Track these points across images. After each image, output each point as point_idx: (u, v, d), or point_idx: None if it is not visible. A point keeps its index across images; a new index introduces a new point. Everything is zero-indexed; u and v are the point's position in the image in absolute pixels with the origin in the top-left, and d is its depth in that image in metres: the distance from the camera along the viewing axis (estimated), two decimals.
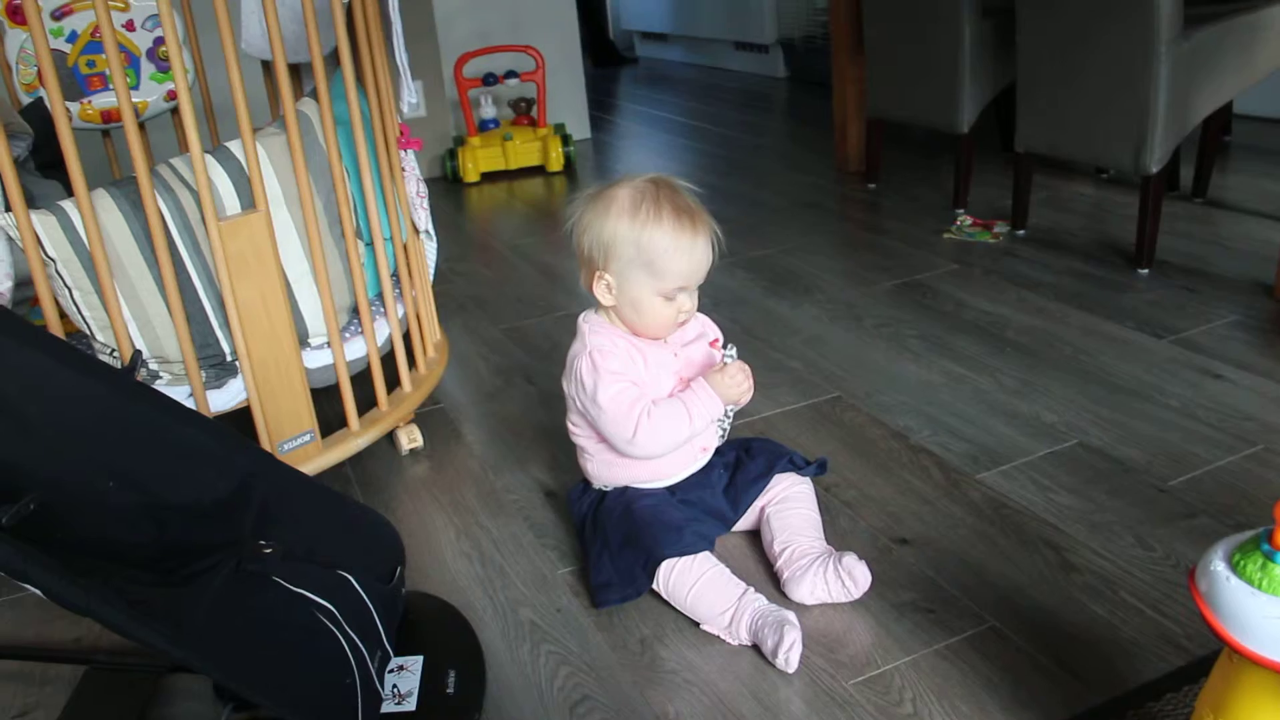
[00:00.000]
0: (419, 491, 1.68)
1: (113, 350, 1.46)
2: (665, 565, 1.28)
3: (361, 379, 1.69)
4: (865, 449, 1.67)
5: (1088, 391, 1.78)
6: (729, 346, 1.36)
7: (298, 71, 1.89)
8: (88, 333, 1.46)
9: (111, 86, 1.96)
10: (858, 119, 3.28)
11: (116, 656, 1.27)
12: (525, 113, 3.85)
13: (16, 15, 1.96)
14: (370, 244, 1.67)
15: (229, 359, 1.55)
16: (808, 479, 1.46)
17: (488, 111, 3.78)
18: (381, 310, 1.73)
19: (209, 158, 1.45)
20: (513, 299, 2.51)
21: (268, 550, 1.09)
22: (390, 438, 1.80)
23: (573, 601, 1.37)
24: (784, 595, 1.31)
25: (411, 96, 1.77)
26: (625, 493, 1.40)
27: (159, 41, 2.07)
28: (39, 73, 1.45)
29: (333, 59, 1.61)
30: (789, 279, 2.47)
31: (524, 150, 3.73)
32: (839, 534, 1.45)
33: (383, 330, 1.72)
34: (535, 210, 3.39)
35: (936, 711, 1.12)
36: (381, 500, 1.65)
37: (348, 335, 1.68)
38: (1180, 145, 2.33)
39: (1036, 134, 2.50)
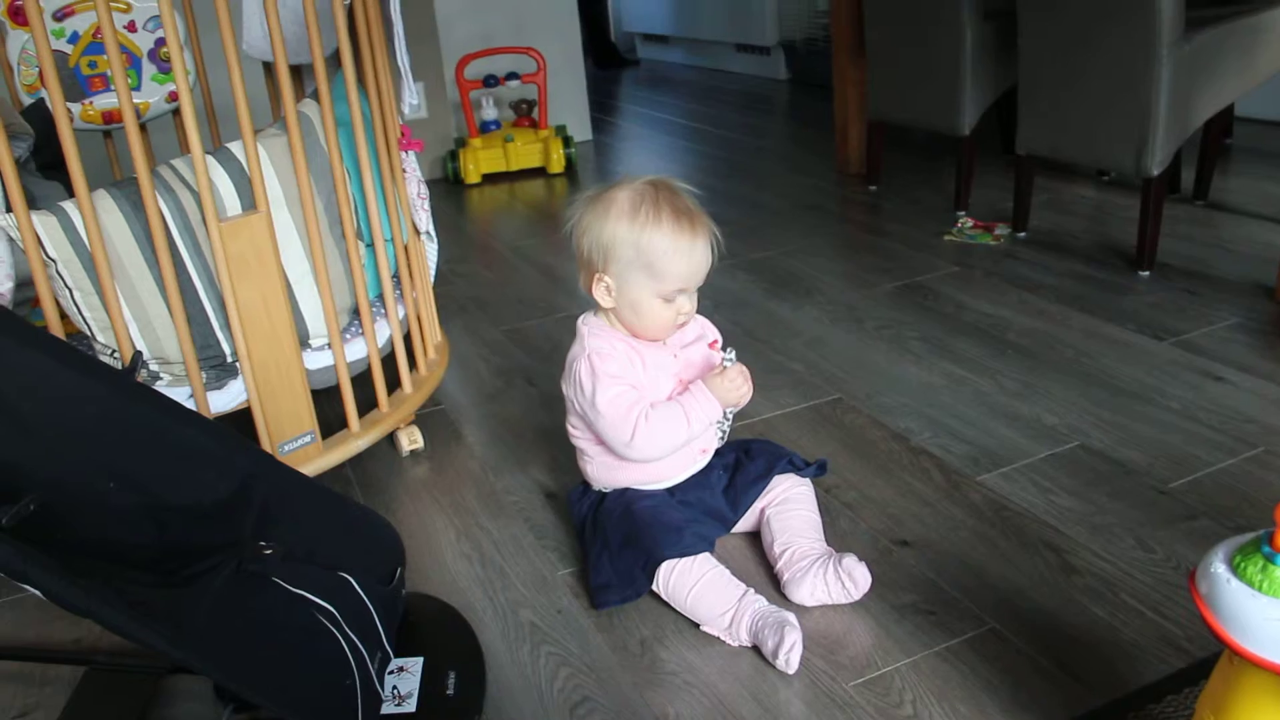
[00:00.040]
0: (419, 493, 1.68)
1: (113, 351, 1.46)
2: (665, 566, 1.28)
3: (362, 380, 1.69)
4: (866, 451, 1.67)
5: (1089, 394, 1.78)
6: (728, 350, 1.36)
7: (299, 73, 1.89)
8: (88, 333, 1.46)
9: (113, 87, 1.96)
10: (859, 121, 3.28)
11: (116, 657, 1.27)
12: (526, 114, 3.85)
13: (18, 16, 1.96)
14: (371, 245, 1.67)
15: (229, 360, 1.55)
16: (807, 480, 1.46)
17: (489, 113, 3.78)
18: (382, 311, 1.73)
19: (210, 159, 1.45)
20: (513, 300, 2.51)
21: (268, 551, 1.09)
22: (391, 439, 1.80)
23: (573, 603, 1.36)
24: (784, 597, 1.31)
25: (413, 98, 1.77)
26: (625, 494, 1.40)
27: (160, 42, 2.07)
28: (40, 73, 1.45)
29: (334, 60, 1.61)
30: (790, 281, 2.47)
31: (525, 152, 3.73)
32: (839, 536, 1.45)
33: (383, 331, 1.72)
34: (536, 212, 3.39)
35: (937, 713, 1.12)
36: (382, 501, 1.65)
37: (348, 336, 1.68)
38: (1181, 148, 2.33)
39: (1038, 136, 2.50)
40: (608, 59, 6.38)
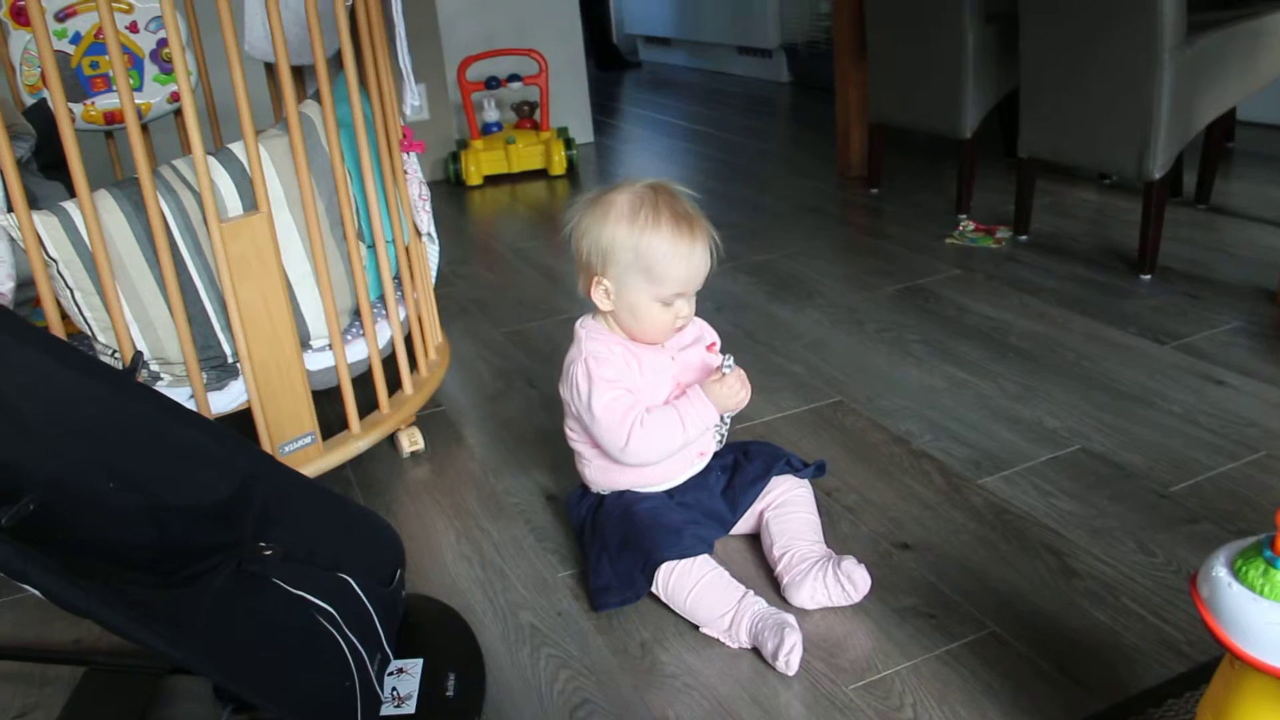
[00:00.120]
0: (420, 494, 1.68)
1: (114, 351, 1.46)
2: (665, 568, 1.28)
3: (363, 381, 1.69)
4: (867, 454, 1.67)
5: (1090, 397, 1.78)
6: (727, 357, 1.35)
7: (301, 73, 1.89)
8: (89, 334, 1.46)
9: (115, 88, 1.96)
10: (860, 124, 3.28)
11: (116, 658, 1.27)
12: (528, 116, 3.85)
13: (20, 16, 1.97)
14: (372, 246, 1.67)
15: (230, 360, 1.55)
16: (806, 482, 1.46)
17: (491, 115, 3.78)
18: (383, 313, 1.73)
19: (211, 159, 1.45)
20: (514, 302, 2.51)
21: (268, 552, 1.09)
22: (391, 440, 1.80)
23: (573, 605, 1.36)
24: (784, 600, 1.30)
25: (414, 99, 1.77)
26: (624, 496, 1.40)
27: (162, 43, 2.07)
28: (42, 74, 1.45)
29: (336, 61, 1.61)
30: (791, 284, 2.46)
31: (527, 154, 3.73)
32: (840, 539, 1.45)
33: (384, 333, 1.72)
34: (537, 214, 3.39)
35: (937, 717, 1.12)
36: (382, 502, 1.65)
37: (349, 337, 1.68)
38: (1183, 151, 2.33)
39: (1039, 139, 2.50)
40: (609, 61, 6.38)
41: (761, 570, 1.38)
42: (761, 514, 1.42)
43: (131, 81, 2.02)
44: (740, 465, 1.45)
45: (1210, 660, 1.14)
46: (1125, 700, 1.11)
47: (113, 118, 2.09)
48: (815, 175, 3.47)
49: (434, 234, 1.91)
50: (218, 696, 1.10)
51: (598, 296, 1.35)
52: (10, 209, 1.32)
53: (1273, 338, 1.94)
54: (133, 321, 1.45)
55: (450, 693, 1.18)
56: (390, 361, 1.76)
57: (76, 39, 2.02)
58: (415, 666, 1.20)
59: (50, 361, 1.03)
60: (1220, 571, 0.82)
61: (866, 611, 1.29)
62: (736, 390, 1.34)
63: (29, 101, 2.02)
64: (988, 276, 2.39)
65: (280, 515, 1.16)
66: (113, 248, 1.40)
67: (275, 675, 1.00)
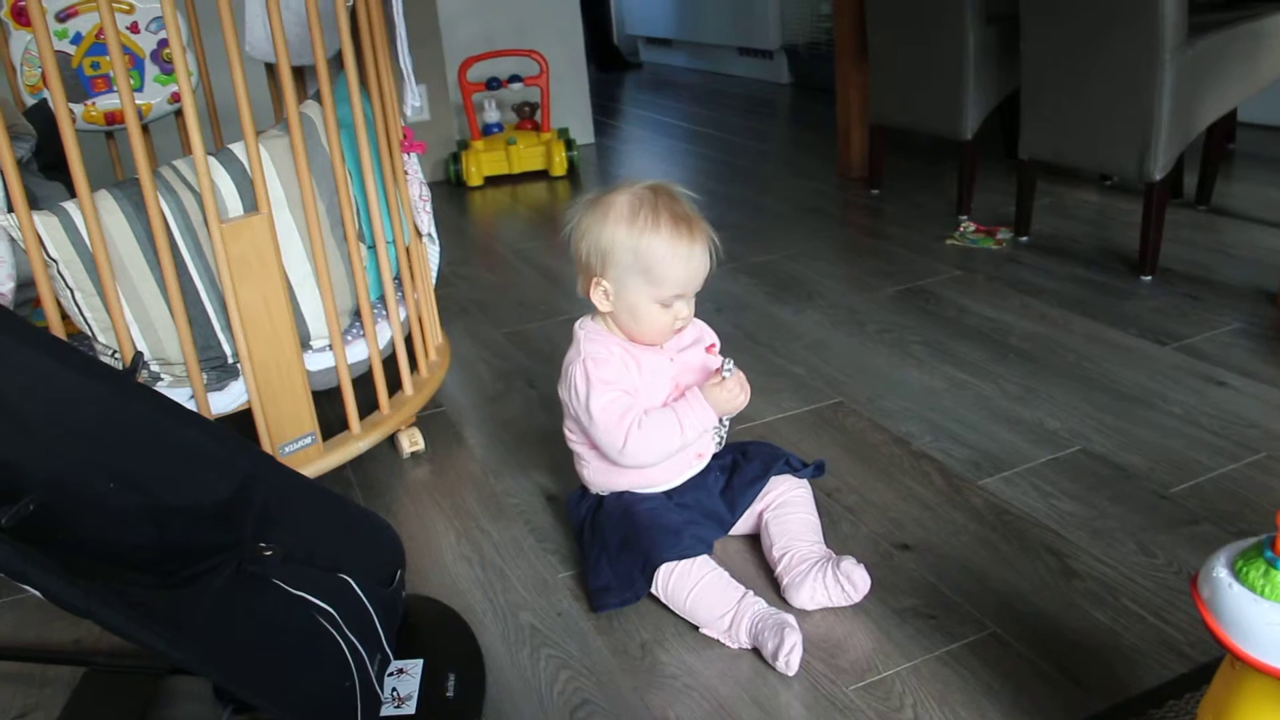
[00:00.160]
0: (420, 495, 1.68)
1: (114, 352, 1.46)
2: (664, 569, 1.28)
3: (363, 382, 1.69)
4: (867, 454, 1.67)
5: (1090, 398, 1.78)
6: (727, 361, 1.35)
7: (301, 74, 1.90)
8: (89, 334, 1.46)
9: (115, 88, 1.96)
10: (861, 125, 3.28)
11: (116, 658, 1.27)
12: (529, 117, 3.85)
13: (21, 17, 1.97)
14: (373, 247, 1.67)
15: (230, 361, 1.55)
16: (805, 482, 1.46)
17: (491, 115, 3.78)
18: (383, 313, 1.73)
19: (212, 160, 1.45)
20: (515, 303, 2.51)
21: (268, 553, 1.09)
22: (391, 441, 1.80)
23: (573, 605, 1.36)
24: (784, 601, 1.30)
25: (415, 100, 1.77)
26: (623, 497, 1.40)
27: (163, 44, 2.07)
28: (43, 74, 1.45)
29: (336, 61, 1.61)
30: (792, 284, 2.46)
31: (527, 154, 3.73)
32: (840, 539, 1.44)
33: (384, 333, 1.72)
34: (538, 214, 3.39)
35: (937, 717, 1.12)
36: (382, 503, 1.65)
37: (349, 338, 1.68)
38: (1184, 153, 2.33)
39: (1040, 141, 2.50)
40: (610, 62, 6.39)
41: (761, 571, 1.38)
42: (761, 514, 1.42)
43: (132, 82, 2.02)
44: (739, 465, 1.45)
45: (1211, 661, 1.14)
46: (1126, 701, 1.11)
47: (113, 118, 2.09)
48: (816, 176, 3.47)
49: (434, 235, 1.91)
50: (218, 697, 1.10)
51: (597, 297, 1.35)
52: (11, 209, 1.32)
53: (1273, 339, 1.94)
54: (133, 322, 1.45)
55: (450, 693, 1.18)
56: (390, 362, 1.76)
57: (77, 39, 2.02)
58: (415, 667, 1.20)
59: (50, 362, 1.03)
60: (1221, 572, 0.82)
61: (866, 612, 1.29)
62: (736, 394, 1.34)
63: (30, 102, 2.02)
64: (988, 278, 2.39)
65: (280, 516, 1.16)
66: (113, 248, 1.40)
67: (275, 676, 1.00)
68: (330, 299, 1.57)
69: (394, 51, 1.72)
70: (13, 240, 1.40)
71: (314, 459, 1.60)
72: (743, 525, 1.44)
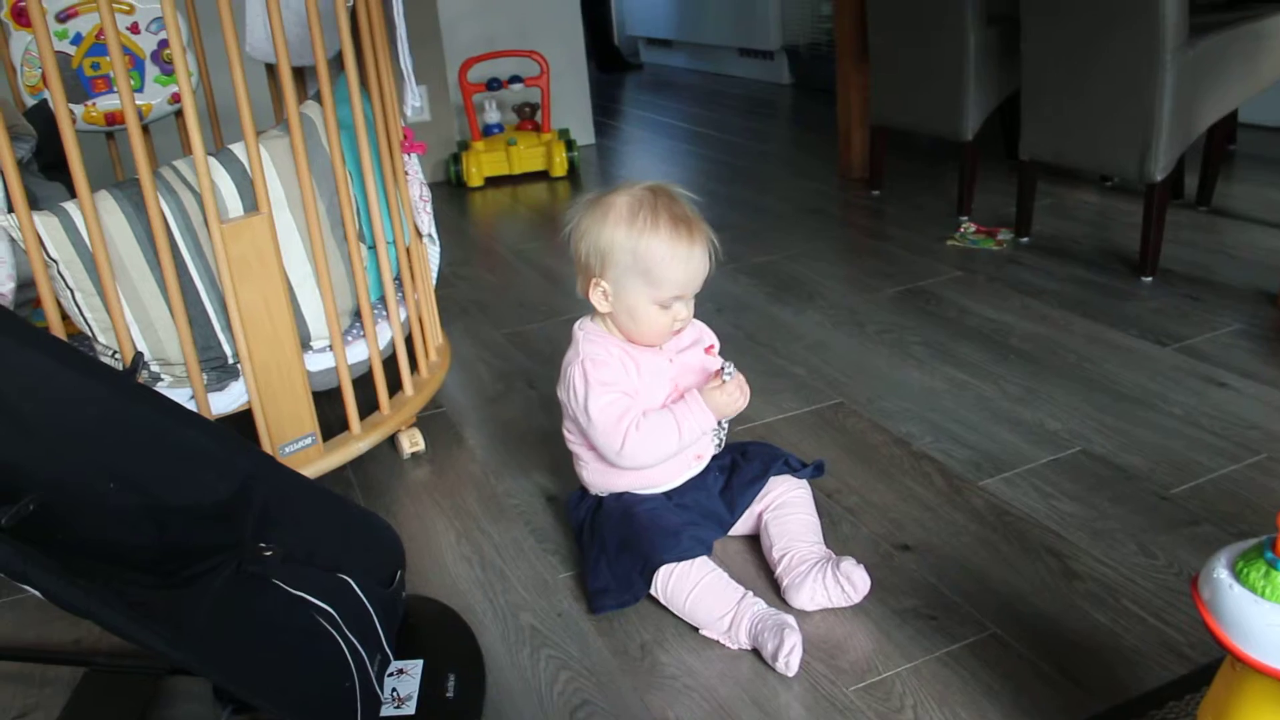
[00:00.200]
0: (420, 495, 1.67)
1: (114, 352, 1.46)
2: (663, 571, 1.28)
3: (363, 382, 1.69)
4: (867, 455, 1.67)
5: (1091, 399, 1.78)
6: (727, 364, 1.35)
7: (301, 74, 1.90)
8: (89, 334, 1.46)
9: (115, 89, 1.96)
10: (862, 126, 3.28)
11: (116, 658, 1.27)
12: (529, 118, 3.85)
13: (22, 17, 1.97)
14: (373, 247, 1.67)
15: (231, 361, 1.55)
16: (805, 483, 1.46)
17: (492, 116, 3.78)
18: (383, 314, 1.73)
19: (212, 160, 1.45)
20: (515, 303, 2.51)
21: (268, 553, 1.09)
22: (392, 441, 1.80)
23: (573, 606, 1.36)
24: (784, 601, 1.30)
25: (415, 100, 1.77)
26: (622, 498, 1.40)
27: (163, 44, 2.07)
28: (43, 74, 1.45)
29: (337, 62, 1.61)
30: (792, 285, 2.46)
31: (528, 155, 3.73)
32: (840, 540, 1.44)
33: (384, 334, 1.72)
34: (538, 215, 3.39)
35: (937, 718, 1.11)
36: (382, 504, 1.65)
37: (349, 338, 1.68)
38: (1185, 153, 2.33)
39: (1041, 141, 2.50)
40: (611, 63, 6.39)
41: (761, 572, 1.38)
42: (760, 515, 1.42)
43: (132, 82, 2.02)
44: (738, 466, 1.45)
45: (1211, 662, 1.14)
46: (1126, 702, 1.11)
47: (113, 118, 2.09)
48: (816, 177, 3.47)
49: (435, 235, 1.91)
50: (217, 697, 1.10)
51: (596, 298, 1.35)
52: (11, 209, 1.32)
53: (1274, 340, 1.94)
54: (133, 322, 1.45)
55: (450, 694, 1.18)
56: (391, 363, 1.76)
57: (77, 40, 2.02)
58: (415, 667, 1.20)
59: (51, 362, 1.03)
60: (1221, 573, 0.81)
61: (867, 613, 1.29)
62: (735, 397, 1.34)
63: (30, 102, 2.02)
64: (989, 278, 2.39)
65: (280, 516, 1.16)
66: (113, 248, 1.40)
67: (275, 676, 1.00)
68: (330, 299, 1.57)
69: (394, 52, 1.72)
70: (13, 240, 1.40)
71: (314, 459, 1.60)
72: (742, 526, 1.44)
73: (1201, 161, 2.68)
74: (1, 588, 1.47)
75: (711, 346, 1.43)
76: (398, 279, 1.76)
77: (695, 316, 1.41)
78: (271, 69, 1.93)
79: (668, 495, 1.41)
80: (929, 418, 1.76)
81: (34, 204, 1.38)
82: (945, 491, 1.55)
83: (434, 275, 1.96)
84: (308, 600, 1.08)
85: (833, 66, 3.37)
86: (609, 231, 1.31)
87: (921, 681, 1.17)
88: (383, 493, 1.69)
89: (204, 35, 2.06)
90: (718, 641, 1.25)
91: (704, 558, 1.29)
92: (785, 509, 1.40)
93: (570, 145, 3.77)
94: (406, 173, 1.77)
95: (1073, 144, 2.42)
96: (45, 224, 1.36)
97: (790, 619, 1.21)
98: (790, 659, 1.17)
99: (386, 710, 1.14)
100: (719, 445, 1.46)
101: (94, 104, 2.07)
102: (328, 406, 1.70)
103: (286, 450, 1.57)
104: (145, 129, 2.05)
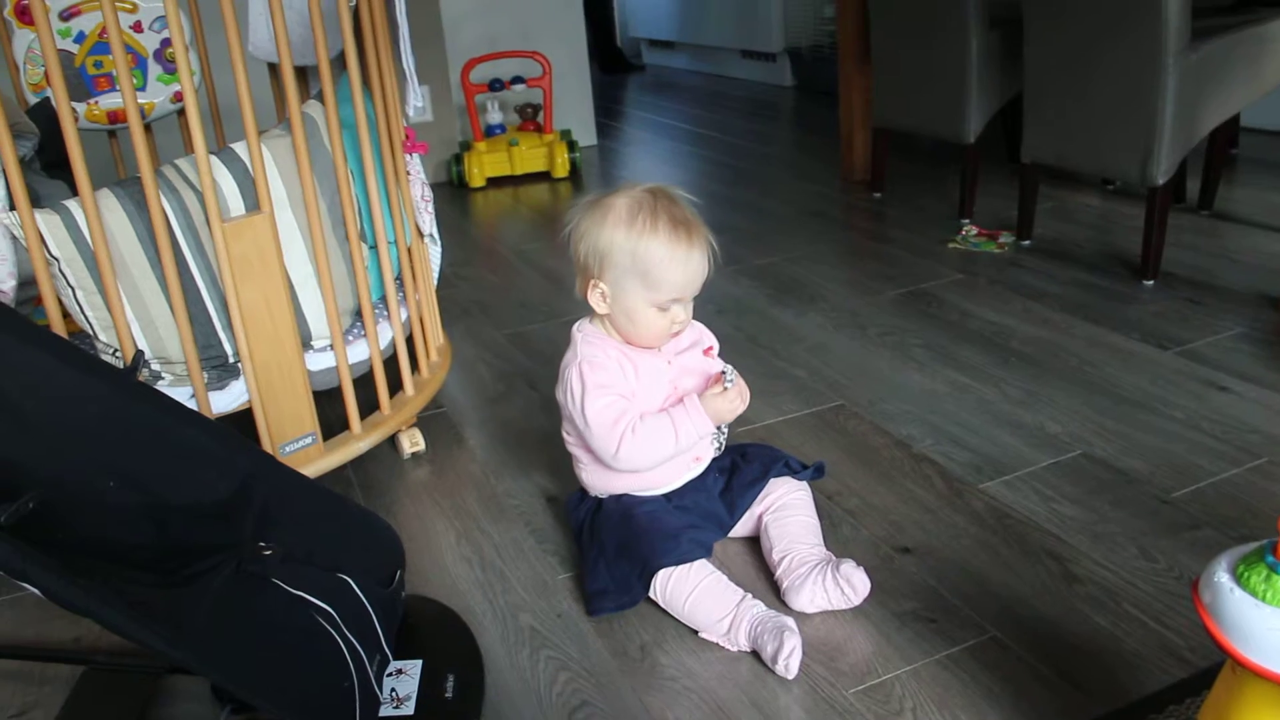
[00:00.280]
0: (420, 495, 1.67)
1: (115, 350, 1.46)
2: (662, 574, 1.28)
3: (364, 382, 1.69)
4: (868, 457, 1.66)
5: (1092, 402, 1.77)
6: (728, 369, 1.35)
7: (304, 74, 1.90)
8: (90, 332, 1.46)
9: (118, 87, 1.96)
10: (864, 128, 3.28)
11: (115, 657, 1.27)
12: (532, 118, 3.85)
13: (25, 15, 1.97)
14: (374, 247, 1.67)
15: (231, 360, 1.55)
16: (805, 484, 1.45)
17: (494, 117, 3.79)
18: (384, 313, 1.73)
19: (214, 159, 1.45)
20: (516, 304, 2.51)
21: (268, 552, 1.09)
22: (392, 441, 1.80)
23: (573, 607, 1.36)
24: (784, 604, 1.30)
25: (417, 100, 1.77)
26: (622, 500, 1.40)
27: (166, 43, 2.08)
28: (46, 73, 1.46)
29: (339, 62, 1.61)
30: (794, 287, 2.46)
31: (530, 156, 3.74)
32: (841, 542, 1.44)
33: (385, 334, 1.72)
34: (540, 216, 3.39)
35: None
36: (382, 504, 1.65)
37: (350, 338, 1.68)
38: (1187, 157, 2.33)
39: (1043, 144, 2.50)
40: (613, 64, 6.39)
41: (761, 573, 1.38)
42: (760, 517, 1.42)
43: (135, 81, 2.02)
44: (738, 467, 1.45)
45: (1212, 666, 1.13)
46: (1126, 706, 1.11)
47: (116, 117, 2.09)
48: (818, 179, 3.47)
49: (436, 235, 1.91)
50: (216, 696, 1.10)
51: (594, 300, 1.35)
52: (13, 207, 1.32)
53: (1275, 344, 1.93)
54: (134, 320, 1.45)
55: (449, 694, 1.18)
56: (391, 362, 1.76)
57: (80, 38, 2.02)
58: (414, 667, 1.20)
59: (51, 360, 1.03)
60: (1222, 577, 0.81)
61: (866, 615, 1.28)
62: (735, 405, 1.34)
63: (33, 100, 2.02)
64: (990, 281, 2.39)
65: (280, 515, 1.16)
66: (114, 246, 1.40)
67: (274, 675, 1.00)
68: (332, 299, 1.57)
69: (397, 52, 1.72)
70: (14, 238, 1.40)
71: (314, 459, 1.60)
72: (742, 527, 1.44)
73: (1203, 165, 2.68)
74: (1, 585, 1.47)
75: (710, 348, 1.43)
76: (399, 279, 1.76)
77: (695, 318, 1.41)
78: (274, 68, 1.93)
79: (667, 497, 1.41)
80: (930, 420, 1.76)
81: (36, 202, 1.38)
82: (946, 494, 1.54)
83: (435, 275, 1.96)
84: (307, 600, 1.08)
85: (835, 69, 3.37)
86: (608, 233, 1.30)
87: (921, 684, 1.17)
88: (383, 493, 1.69)
89: (206, 34, 2.06)
90: (717, 643, 1.25)
91: (703, 560, 1.29)
92: (785, 511, 1.40)
93: (572, 146, 3.77)
94: (408, 173, 1.77)
95: (1075, 147, 2.42)
96: (47, 222, 1.36)
97: (790, 621, 1.21)
98: (790, 661, 1.17)
99: (385, 710, 1.14)
100: (719, 448, 1.46)
101: (96, 102, 2.07)
102: (328, 406, 1.70)
103: (287, 449, 1.57)
104: (147, 127, 2.05)
